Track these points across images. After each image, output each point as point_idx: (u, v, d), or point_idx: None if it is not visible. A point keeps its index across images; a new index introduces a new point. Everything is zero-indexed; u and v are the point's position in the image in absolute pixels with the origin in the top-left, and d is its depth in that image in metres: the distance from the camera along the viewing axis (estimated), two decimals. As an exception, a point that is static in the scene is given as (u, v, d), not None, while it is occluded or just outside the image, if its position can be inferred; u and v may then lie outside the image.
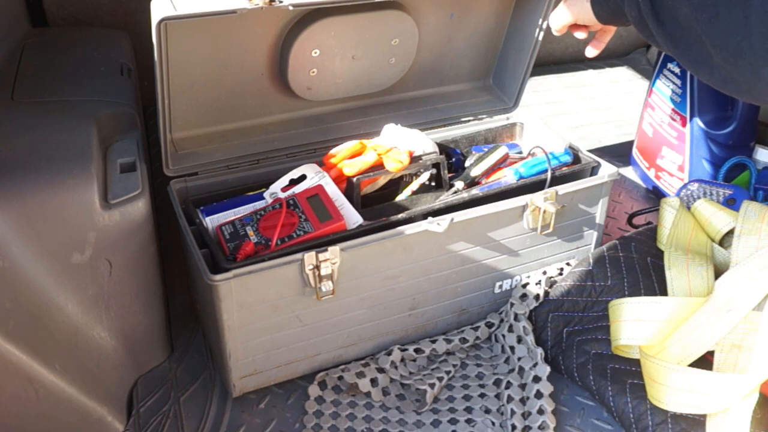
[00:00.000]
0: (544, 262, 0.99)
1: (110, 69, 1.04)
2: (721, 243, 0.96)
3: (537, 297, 0.95)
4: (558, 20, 0.84)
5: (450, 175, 1.00)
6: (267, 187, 0.94)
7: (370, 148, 0.97)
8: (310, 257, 0.79)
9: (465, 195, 0.94)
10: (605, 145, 1.49)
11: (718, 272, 0.86)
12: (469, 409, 0.88)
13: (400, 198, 0.98)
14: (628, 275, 0.93)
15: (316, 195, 0.88)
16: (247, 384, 0.87)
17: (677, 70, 1.21)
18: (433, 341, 0.95)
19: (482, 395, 0.89)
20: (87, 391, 0.80)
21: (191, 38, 0.86)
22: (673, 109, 1.22)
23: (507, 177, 0.99)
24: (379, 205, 0.95)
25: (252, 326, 0.82)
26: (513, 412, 0.85)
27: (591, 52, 0.88)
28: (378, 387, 0.89)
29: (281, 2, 0.80)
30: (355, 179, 0.92)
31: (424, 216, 0.89)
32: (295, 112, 1.04)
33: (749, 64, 0.59)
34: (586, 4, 0.79)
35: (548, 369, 0.88)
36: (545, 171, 0.97)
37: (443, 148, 1.06)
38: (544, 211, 0.92)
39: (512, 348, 0.93)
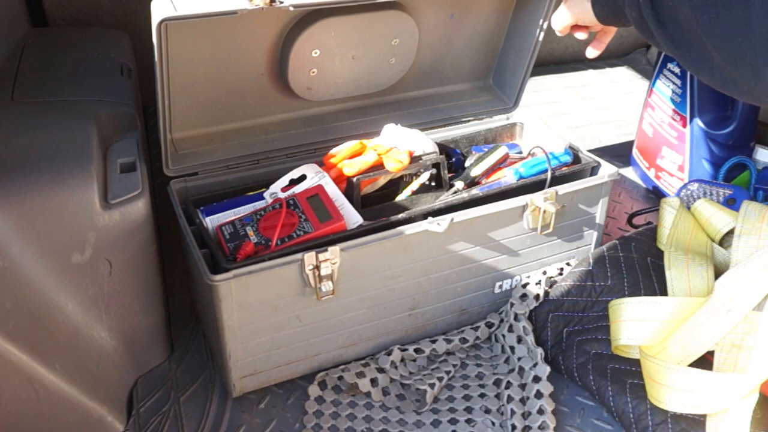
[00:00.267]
0: (544, 262, 0.99)
1: (110, 69, 1.04)
2: (721, 243, 0.96)
3: (537, 297, 0.95)
4: (559, 21, 0.84)
5: (450, 175, 1.00)
6: (267, 187, 0.94)
7: (370, 148, 0.97)
8: (310, 257, 0.79)
9: (465, 195, 0.94)
10: (605, 145, 1.49)
11: (718, 272, 0.86)
12: (469, 409, 0.88)
13: (400, 198, 0.98)
14: (628, 275, 0.93)
15: (316, 195, 0.88)
16: (247, 384, 0.87)
17: (677, 70, 1.21)
18: (433, 341, 0.95)
19: (482, 395, 0.89)
20: (87, 391, 0.80)
21: (191, 38, 0.86)
22: (673, 109, 1.22)
23: (507, 177, 0.99)
24: (379, 205, 0.95)
25: (252, 326, 0.82)
26: (513, 412, 0.85)
27: (591, 52, 0.88)
28: (378, 387, 0.89)
29: (282, 3, 0.80)
30: (355, 179, 0.92)
31: (424, 216, 0.89)
32: (295, 112, 1.04)
33: (750, 64, 0.59)
34: (587, 4, 0.79)
35: (548, 369, 0.88)
36: (545, 171, 0.97)
37: (443, 148, 1.06)
38: (544, 211, 0.92)
39: (512, 348, 0.93)
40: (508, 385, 0.88)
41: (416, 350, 0.94)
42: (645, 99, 1.31)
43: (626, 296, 0.91)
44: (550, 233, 0.95)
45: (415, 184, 0.98)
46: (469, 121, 1.12)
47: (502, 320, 0.97)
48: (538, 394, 0.86)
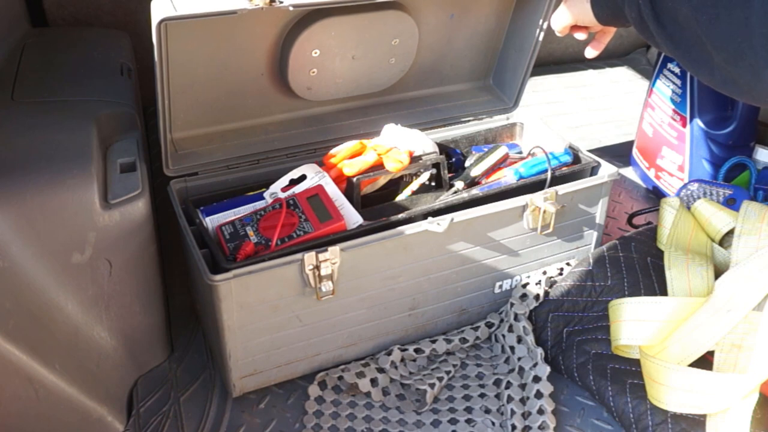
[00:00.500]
0: (544, 262, 0.99)
1: (110, 69, 1.04)
2: (721, 243, 0.96)
3: (537, 297, 0.95)
4: (559, 22, 0.84)
5: (450, 175, 1.00)
6: (267, 187, 0.94)
7: (370, 148, 0.97)
8: (310, 257, 0.79)
9: (465, 195, 0.94)
10: (605, 145, 1.49)
11: (718, 272, 0.86)
12: (469, 409, 0.88)
13: (400, 198, 0.98)
14: (628, 275, 0.93)
15: (316, 195, 0.88)
16: (247, 384, 0.87)
17: (677, 70, 1.21)
18: (433, 341, 0.95)
19: (482, 395, 0.89)
20: (87, 391, 0.80)
21: (191, 38, 0.86)
22: (673, 109, 1.22)
23: (507, 177, 0.99)
24: (379, 205, 0.95)
25: (252, 326, 0.82)
26: (513, 412, 0.85)
27: (590, 53, 0.88)
28: (378, 387, 0.89)
29: (281, 3, 0.80)
30: (355, 179, 0.92)
31: (424, 216, 0.89)
32: (295, 112, 1.04)
33: (750, 65, 0.59)
34: (587, 5, 0.79)
35: (548, 369, 0.88)
36: (545, 171, 0.97)
37: (443, 148, 1.06)
38: (544, 211, 0.92)
39: (512, 348, 0.93)
40: (508, 385, 0.88)
41: (416, 350, 0.94)
42: (645, 99, 1.31)
43: (626, 296, 0.91)
44: (550, 233, 0.95)
45: (415, 184, 0.98)
46: (469, 121, 1.12)
47: (502, 320, 0.97)
48: (538, 394, 0.86)
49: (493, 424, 0.85)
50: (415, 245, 0.87)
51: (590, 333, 0.91)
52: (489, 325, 0.98)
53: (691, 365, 0.81)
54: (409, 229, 0.85)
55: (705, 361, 0.81)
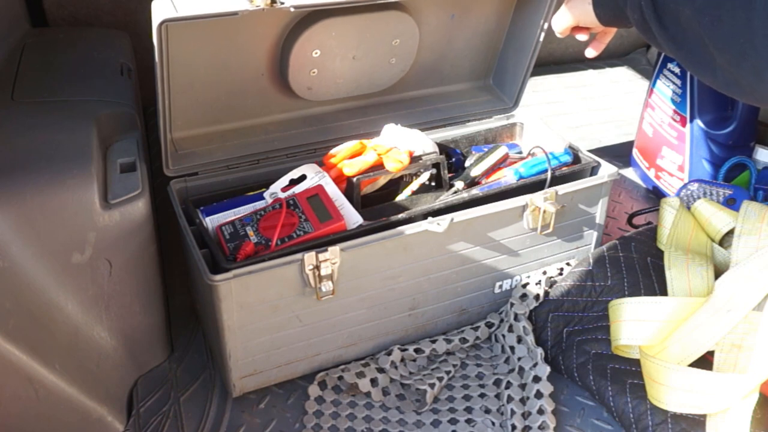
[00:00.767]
0: (544, 262, 0.99)
1: (110, 69, 1.04)
2: (721, 243, 0.96)
3: (537, 297, 0.95)
4: (560, 23, 0.84)
5: (450, 175, 1.00)
6: (267, 187, 0.94)
7: (370, 148, 0.97)
8: (310, 257, 0.79)
9: (465, 195, 0.94)
10: (605, 145, 1.49)
11: (718, 272, 0.86)
12: (469, 409, 0.88)
13: (400, 198, 0.98)
14: (628, 275, 0.93)
15: (316, 195, 0.88)
16: (247, 384, 0.87)
17: (677, 70, 1.21)
18: (433, 341, 0.95)
19: (482, 395, 0.89)
20: (87, 391, 0.80)
21: (192, 39, 0.86)
22: (673, 109, 1.22)
23: (507, 177, 0.99)
24: (379, 205, 0.95)
25: (252, 326, 0.82)
26: (513, 412, 0.85)
27: (591, 53, 0.88)
28: (378, 387, 0.89)
29: (282, 3, 0.80)
30: (355, 179, 0.92)
31: (424, 216, 0.89)
32: (294, 111, 1.04)
33: (752, 66, 0.59)
34: (588, 6, 0.79)
35: (548, 369, 0.88)
36: (545, 171, 0.97)
37: (443, 148, 1.06)
38: (544, 211, 0.92)
39: (512, 348, 0.93)
40: (508, 385, 0.88)
41: (416, 350, 0.94)
42: (645, 99, 1.31)
43: (626, 296, 0.91)
44: (550, 233, 0.95)
45: (415, 184, 0.98)
46: (469, 121, 1.12)
47: (502, 320, 0.97)
48: (538, 394, 0.86)
49: (493, 424, 0.85)
50: (415, 245, 0.87)
51: (590, 333, 0.91)
52: (489, 325, 0.98)
53: (691, 365, 0.81)
54: (409, 229, 0.85)
55: (705, 361, 0.81)
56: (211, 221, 0.88)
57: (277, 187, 0.93)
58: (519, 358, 0.91)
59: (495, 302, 0.99)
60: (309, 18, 0.91)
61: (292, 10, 0.82)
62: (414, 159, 0.96)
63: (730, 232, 0.94)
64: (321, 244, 0.82)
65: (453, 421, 0.86)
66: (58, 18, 1.32)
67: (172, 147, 0.94)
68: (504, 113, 1.14)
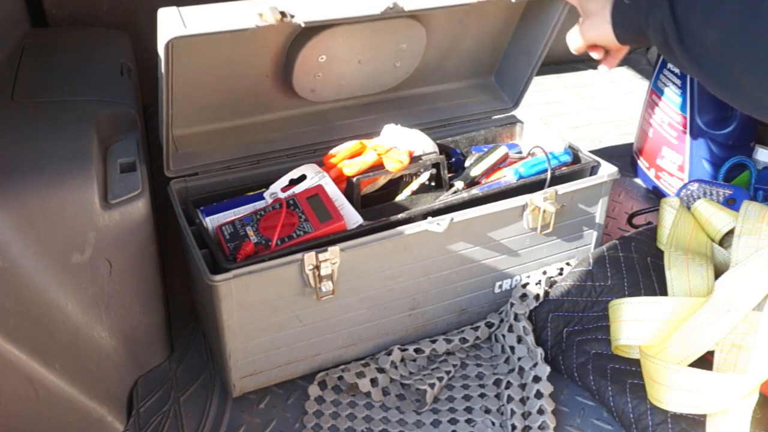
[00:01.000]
0: (543, 262, 0.99)
1: (110, 69, 1.04)
2: (721, 243, 0.96)
3: (537, 297, 0.95)
4: (576, 41, 0.82)
5: (450, 175, 1.00)
6: (267, 187, 0.94)
7: (370, 148, 0.97)
8: (310, 257, 0.79)
9: (465, 195, 0.94)
10: (605, 145, 1.49)
11: (718, 272, 0.86)
12: (469, 409, 0.88)
13: (400, 198, 0.98)
14: (628, 275, 0.93)
15: (316, 195, 0.88)
16: (247, 384, 0.87)
17: (677, 70, 1.21)
18: (433, 341, 0.95)
19: (482, 395, 0.89)
20: (87, 391, 0.80)
21: (198, 49, 0.84)
22: (673, 109, 1.22)
23: (507, 177, 0.99)
24: (379, 205, 0.95)
25: (252, 326, 0.82)
26: (513, 412, 0.85)
27: (604, 69, 0.87)
28: (378, 387, 0.89)
29: (293, 17, 0.79)
30: (355, 179, 0.92)
31: (424, 216, 0.89)
32: (295, 110, 1.03)
33: None
34: (607, 26, 0.77)
35: (548, 369, 0.88)
36: (545, 171, 0.97)
37: (443, 148, 1.06)
38: (544, 211, 0.92)
39: (512, 348, 0.93)
40: (508, 385, 0.88)
41: (416, 350, 0.94)
42: (645, 99, 1.31)
43: (626, 296, 0.91)
44: (549, 233, 0.95)
45: (415, 184, 0.98)
46: (469, 121, 1.12)
47: (502, 320, 0.97)
48: (538, 394, 0.86)
49: (493, 424, 0.85)
50: (415, 245, 0.87)
51: (590, 333, 0.91)
52: (489, 325, 0.98)
53: (691, 365, 0.80)
54: (409, 229, 0.85)
55: (705, 361, 0.81)
56: (211, 221, 0.88)
57: (277, 187, 0.93)
58: (519, 358, 0.91)
59: (495, 302, 0.99)
60: (317, 26, 0.89)
61: (302, 25, 0.81)
62: (414, 159, 0.96)
63: (730, 232, 0.94)
64: (321, 244, 0.82)
65: (453, 421, 0.86)
66: (58, 18, 1.33)
67: (173, 147, 0.94)
68: (504, 113, 1.14)
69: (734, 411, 0.76)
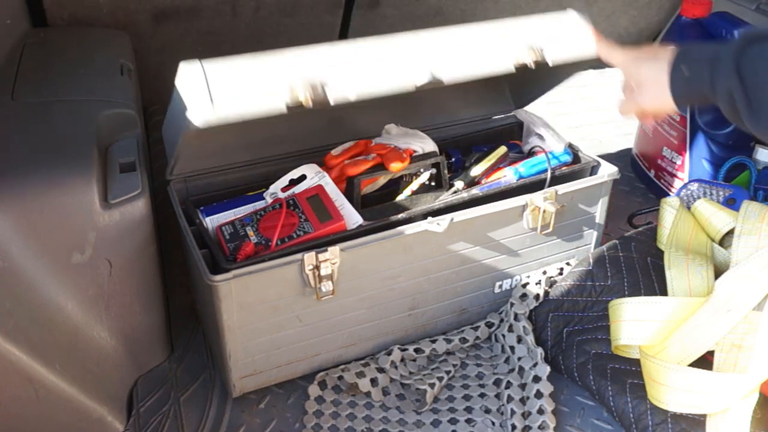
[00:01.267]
0: (544, 262, 0.99)
1: (110, 69, 1.04)
2: (721, 243, 0.96)
3: (537, 297, 0.95)
4: (630, 109, 0.81)
5: (450, 175, 1.00)
6: (267, 187, 0.94)
7: (370, 148, 0.97)
8: (310, 257, 0.79)
9: (465, 195, 0.94)
10: (605, 145, 1.49)
11: (718, 272, 0.86)
12: (469, 409, 0.88)
13: (400, 198, 0.98)
14: (628, 275, 0.93)
15: (316, 195, 0.88)
16: (247, 384, 0.87)
17: (677, 70, 1.21)
18: (433, 341, 0.95)
19: (482, 395, 0.89)
20: (87, 391, 0.80)
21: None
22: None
23: (507, 177, 0.99)
24: (379, 205, 0.95)
25: (252, 326, 0.82)
26: (513, 412, 0.85)
27: (648, 128, 0.84)
28: (378, 387, 0.89)
29: (324, 94, 0.75)
30: (355, 179, 0.92)
31: (424, 216, 0.89)
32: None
33: None
34: (666, 97, 0.74)
35: (548, 369, 0.88)
36: (545, 171, 0.97)
37: (443, 148, 1.05)
38: (544, 211, 0.92)
39: (512, 348, 0.93)
40: (508, 384, 0.88)
41: (416, 350, 0.94)
42: (645, 99, 1.30)
43: (626, 296, 0.91)
44: (549, 233, 0.95)
45: (415, 184, 0.98)
46: (469, 121, 1.12)
47: (502, 320, 0.97)
48: (538, 394, 0.86)
49: (493, 423, 0.85)
50: (414, 245, 0.87)
51: (590, 333, 0.91)
52: (489, 325, 0.98)
53: (691, 365, 0.80)
54: (408, 229, 0.85)
55: (705, 361, 0.81)
56: (211, 221, 0.88)
57: (277, 187, 0.93)
58: (519, 358, 0.91)
59: (495, 302, 0.99)
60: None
61: (331, 104, 0.76)
62: (414, 159, 0.96)
63: (730, 232, 0.94)
64: (321, 244, 0.82)
65: (453, 421, 0.86)
66: (58, 18, 1.32)
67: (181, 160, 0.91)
68: (504, 113, 1.14)
69: (734, 411, 0.76)
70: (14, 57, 1.02)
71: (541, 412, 0.84)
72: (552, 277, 0.98)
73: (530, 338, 0.91)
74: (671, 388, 0.78)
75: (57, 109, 0.89)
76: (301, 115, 1.03)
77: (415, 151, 0.98)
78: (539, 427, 0.83)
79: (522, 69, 0.85)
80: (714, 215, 0.97)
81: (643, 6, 1.72)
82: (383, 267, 0.86)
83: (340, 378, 0.90)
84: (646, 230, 1.01)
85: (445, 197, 0.95)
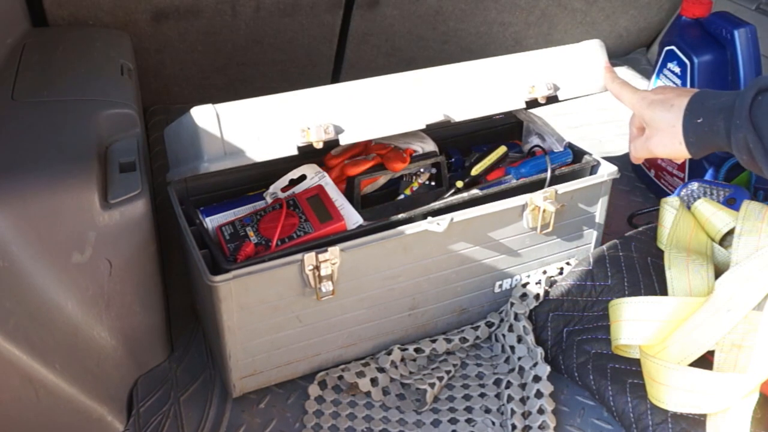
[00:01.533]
0: (544, 262, 0.99)
1: (110, 69, 1.04)
2: (721, 243, 0.96)
3: (537, 296, 0.95)
4: (642, 155, 0.81)
5: (450, 175, 1.00)
6: (267, 187, 0.94)
7: (370, 148, 0.97)
8: (310, 258, 0.79)
9: (465, 195, 0.94)
10: (605, 145, 1.49)
11: (718, 272, 0.86)
12: (469, 409, 0.88)
13: (400, 198, 0.98)
14: (628, 275, 0.93)
15: (316, 195, 0.88)
16: (247, 384, 0.87)
17: (677, 69, 1.21)
18: (433, 341, 0.95)
19: (482, 395, 0.89)
20: (87, 391, 0.80)
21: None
22: (673, 109, 1.21)
23: (507, 176, 0.99)
24: (379, 205, 0.95)
25: (252, 327, 0.82)
26: (513, 412, 0.85)
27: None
28: (378, 387, 0.89)
29: (337, 137, 0.78)
30: (355, 179, 0.92)
31: (424, 216, 0.89)
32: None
33: None
34: (680, 145, 0.75)
35: (548, 368, 0.88)
36: (545, 170, 0.97)
37: (443, 148, 1.05)
38: (544, 211, 0.92)
39: (512, 347, 0.93)
40: (508, 384, 0.88)
41: (416, 350, 0.94)
42: (645, 99, 1.30)
43: (626, 296, 0.91)
44: (549, 232, 0.95)
45: (415, 184, 0.98)
46: (469, 121, 1.12)
47: (502, 320, 0.97)
48: (538, 394, 0.86)
49: (493, 423, 0.85)
50: (415, 245, 0.87)
51: (590, 333, 0.91)
52: (489, 325, 0.98)
53: (691, 365, 0.80)
54: (409, 229, 0.85)
55: (705, 361, 0.81)
56: (211, 221, 0.88)
57: (277, 187, 0.93)
58: (519, 358, 0.91)
59: (495, 302, 0.99)
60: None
61: (341, 144, 0.80)
62: (414, 159, 0.96)
63: (730, 232, 0.94)
64: (321, 244, 0.82)
65: (453, 421, 0.86)
66: (58, 18, 1.32)
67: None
68: (504, 113, 1.14)
69: (734, 411, 0.76)
70: (14, 57, 1.02)
71: (541, 411, 0.84)
72: (552, 276, 0.98)
73: (530, 338, 0.91)
74: (671, 388, 0.78)
75: (57, 109, 0.89)
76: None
77: (415, 151, 0.98)
78: (539, 427, 0.83)
79: (532, 104, 0.88)
80: (714, 215, 0.97)
81: (643, 6, 1.72)
82: (383, 267, 0.86)
83: (340, 378, 0.90)
84: (646, 230, 1.01)
85: (445, 197, 0.95)
